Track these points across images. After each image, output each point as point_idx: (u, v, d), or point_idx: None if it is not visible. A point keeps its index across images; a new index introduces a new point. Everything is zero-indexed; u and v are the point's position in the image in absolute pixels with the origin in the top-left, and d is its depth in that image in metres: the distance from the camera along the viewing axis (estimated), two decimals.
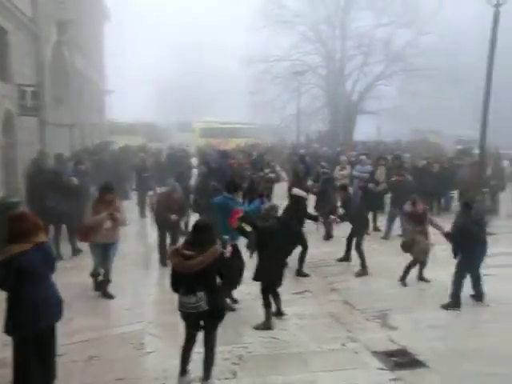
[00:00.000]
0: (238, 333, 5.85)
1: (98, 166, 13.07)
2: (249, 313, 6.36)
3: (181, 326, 5.87)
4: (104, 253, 6.74)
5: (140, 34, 47.42)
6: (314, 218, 8.71)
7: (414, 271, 7.73)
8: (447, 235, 7.08)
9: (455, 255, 6.80)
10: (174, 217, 8.23)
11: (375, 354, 5.35)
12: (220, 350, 5.30)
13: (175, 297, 6.55)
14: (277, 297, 6.19)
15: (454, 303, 6.66)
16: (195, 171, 14.18)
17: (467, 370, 5.00)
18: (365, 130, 32.12)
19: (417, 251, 7.57)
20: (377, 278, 7.88)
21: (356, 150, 21.02)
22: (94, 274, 6.95)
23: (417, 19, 26.17)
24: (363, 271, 8.07)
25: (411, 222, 7.73)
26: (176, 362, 4.71)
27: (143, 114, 34.53)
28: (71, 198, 8.75)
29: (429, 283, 7.60)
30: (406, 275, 7.63)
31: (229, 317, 6.31)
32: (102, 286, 6.89)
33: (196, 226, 4.51)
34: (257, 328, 5.93)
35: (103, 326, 6.05)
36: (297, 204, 8.35)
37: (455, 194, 13.67)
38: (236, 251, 6.56)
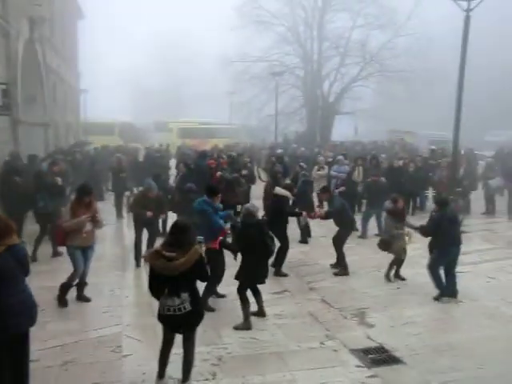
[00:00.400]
0: (218, 334, 5.83)
1: (73, 166, 12.86)
2: (229, 314, 6.35)
3: (159, 328, 5.83)
4: (82, 256, 6.62)
5: (115, 33, 46.82)
6: (297, 214, 8.80)
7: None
8: (421, 229, 7.26)
9: (431, 251, 6.96)
10: (149, 213, 8.21)
11: (353, 351, 5.41)
12: (199, 351, 5.29)
13: (152, 298, 6.50)
14: (258, 294, 6.19)
15: (443, 293, 6.87)
16: (174, 171, 14.10)
17: (442, 364, 5.12)
18: (342, 131, 32.45)
19: (396, 249, 7.69)
20: (354, 277, 7.97)
21: (334, 150, 21.24)
22: (70, 282, 6.74)
23: (392, 22, 26.61)
24: (343, 271, 8.14)
25: (392, 219, 7.83)
26: (154, 365, 4.66)
27: (120, 114, 34.10)
28: (56, 198, 8.76)
29: (405, 281, 7.72)
30: (389, 272, 7.76)
31: (209, 318, 6.29)
32: (63, 293, 6.65)
33: (175, 226, 4.47)
34: (236, 328, 5.94)
35: (79, 330, 5.93)
36: (280, 203, 8.41)
37: (429, 193, 13.98)
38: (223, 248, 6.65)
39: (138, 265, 8.40)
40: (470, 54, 11.36)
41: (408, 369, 5.07)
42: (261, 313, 6.25)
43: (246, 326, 5.96)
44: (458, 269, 7.50)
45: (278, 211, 8.35)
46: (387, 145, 23.70)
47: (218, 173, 11.43)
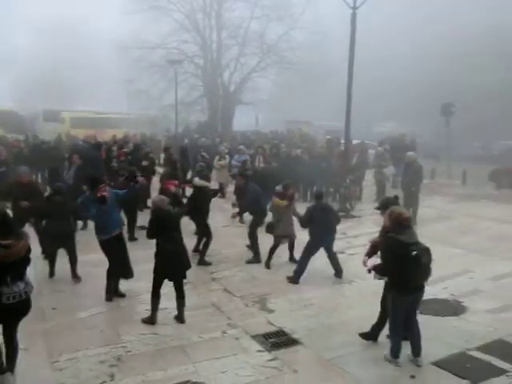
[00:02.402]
0: (117, 332, 5.63)
1: None
2: (128, 311, 6.15)
3: (50, 333, 5.46)
4: None
5: None
6: (216, 192, 9.09)
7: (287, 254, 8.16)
8: (299, 219, 7.78)
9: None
10: (24, 203, 7.56)
11: (254, 337, 5.56)
12: (95, 352, 5.07)
13: (44, 302, 6.05)
14: (181, 298, 5.99)
15: (296, 278, 7.33)
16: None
17: (335, 341, 5.47)
18: (244, 121, 32.84)
19: (278, 232, 7.96)
20: (255, 265, 8.14)
21: (235, 140, 21.46)
22: None
23: (288, 14, 27.36)
24: (255, 258, 8.28)
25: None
26: (45, 373, 4.36)
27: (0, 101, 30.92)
28: None
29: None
30: (270, 258, 8.03)
31: (107, 316, 6.07)
32: None
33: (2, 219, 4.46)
34: (143, 321, 5.86)
35: None
36: (200, 194, 8.30)
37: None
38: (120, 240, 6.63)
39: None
40: (360, 49, 12.07)
41: (305, 348, 5.34)
42: (180, 318, 6.00)
43: (151, 320, 5.88)
44: (350, 251, 8.08)
45: (198, 202, 8.27)
46: (286, 134, 24.48)
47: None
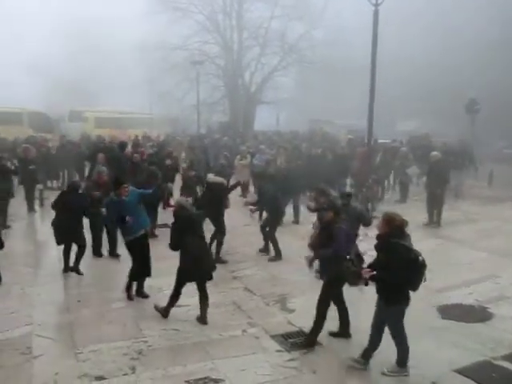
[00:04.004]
0: (138, 327, 5.71)
1: None
2: (150, 306, 6.22)
3: (74, 325, 5.59)
4: None
5: (25, 16, 43.28)
6: (234, 186, 9.09)
7: None
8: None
9: None
10: (96, 194, 7.86)
11: (274, 337, 5.54)
12: (118, 345, 5.16)
13: (69, 295, 6.25)
14: (204, 298, 5.96)
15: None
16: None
17: (355, 344, 5.31)
18: (265, 121, 32.86)
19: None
20: (276, 264, 8.13)
21: (257, 139, 21.48)
22: None
23: (308, 13, 27.24)
24: (277, 257, 8.31)
25: None
26: (68, 363, 4.45)
27: (32, 104, 31.66)
28: None
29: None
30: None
31: (130, 311, 6.17)
32: None
33: None
34: (155, 308, 5.98)
35: None
36: (212, 191, 8.37)
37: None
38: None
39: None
40: (382, 47, 11.94)
41: (324, 350, 5.29)
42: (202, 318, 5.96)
43: (164, 311, 5.94)
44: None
45: (213, 199, 8.34)
46: (307, 134, 24.38)
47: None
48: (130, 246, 6.58)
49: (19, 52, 42.05)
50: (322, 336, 5.53)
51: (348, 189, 11.98)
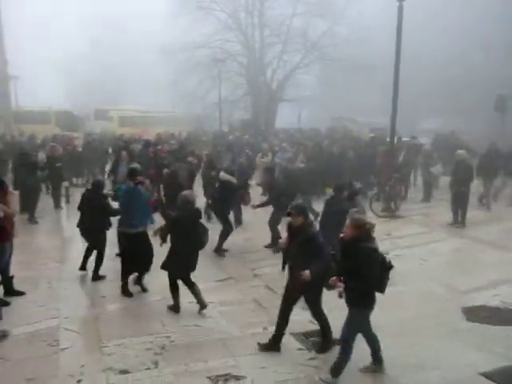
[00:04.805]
0: (162, 322, 5.79)
1: None
2: (172, 303, 6.29)
3: (99, 319, 5.71)
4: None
5: (48, 19, 44.16)
6: (244, 184, 9.14)
7: None
8: None
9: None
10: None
11: (295, 335, 5.53)
12: (141, 340, 5.25)
13: (94, 290, 6.38)
14: (191, 286, 6.04)
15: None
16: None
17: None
18: (286, 118, 32.76)
19: None
20: None
21: (278, 137, 21.48)
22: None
23: (331, 10, 27.02)
24: (272, 245, 8.41)
25: None
26: (94, 357, 4.56)
27: (58, 103, 32.40)
28: None
29: None
30: None
31: (152, 307, 6.26)
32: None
33: None
34: (169, 308, 6.08)
35: (11, 325, 5.66)
36: (224, 188, 8.46)
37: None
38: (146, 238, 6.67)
39: None
40: (405, 42, 11.72)
41: None
42: (200, 304, 6.06)
43: (174, 308, 6.05)
44: (395, 252, 7.93)
45: (223, 196, 8.43)
46: (330, 132, 24.22)
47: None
48: (122, 239, 6.62)
49: (47, 52, 42.97)
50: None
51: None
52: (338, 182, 8.14)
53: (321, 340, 5.34)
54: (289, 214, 5.20)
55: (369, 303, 4.60)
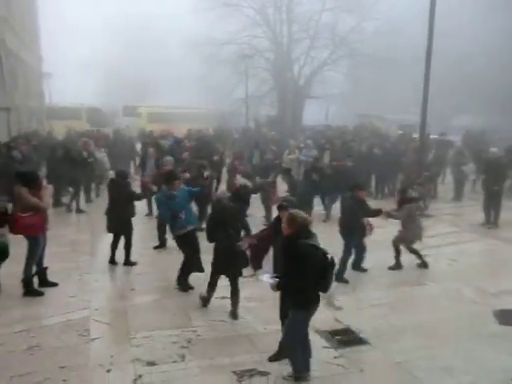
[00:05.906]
0: (188, 317, 5.87)
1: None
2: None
3: (128, 311, 5.83)
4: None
5: (78, 17, 45.10)
6: (261, 186, 9.03)
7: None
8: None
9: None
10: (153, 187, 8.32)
11: (321, 333, 5.51)
12: (168, 333, 5.34)
13: (124, 283, 6.52)
14: (233, 293, 5.99)
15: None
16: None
17: (405, 344, 5.29)
18: (313, 115, 32.49)
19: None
20: None
21: (304, 134, 21.36)
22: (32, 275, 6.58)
23: (360, 5, 26.59)
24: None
25: None
26: (123, 347, 4.67)
27: (89, 99, 33.10)
28: None
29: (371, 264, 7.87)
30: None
31: (178, 301, 6.36)
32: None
33: None
34: (200, 297, 6.15)
35: (45, 315, 5.86)
36: (243, 193, 8.50)
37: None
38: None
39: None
40: (438, 38, 11.44)
41: (372, 349, 5.22)
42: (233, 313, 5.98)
43: (204, 301, 6.11)
44: (425, 252, 7.79)
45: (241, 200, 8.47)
46: (357, 129, 23.92)
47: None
48: (178, 241, 6.73)
49: (77, 49, 43.89)
50: (370, 335, 5.47)
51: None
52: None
53: None
54: (280, 207, 5.17)
55: (306, 304, 4.30)
